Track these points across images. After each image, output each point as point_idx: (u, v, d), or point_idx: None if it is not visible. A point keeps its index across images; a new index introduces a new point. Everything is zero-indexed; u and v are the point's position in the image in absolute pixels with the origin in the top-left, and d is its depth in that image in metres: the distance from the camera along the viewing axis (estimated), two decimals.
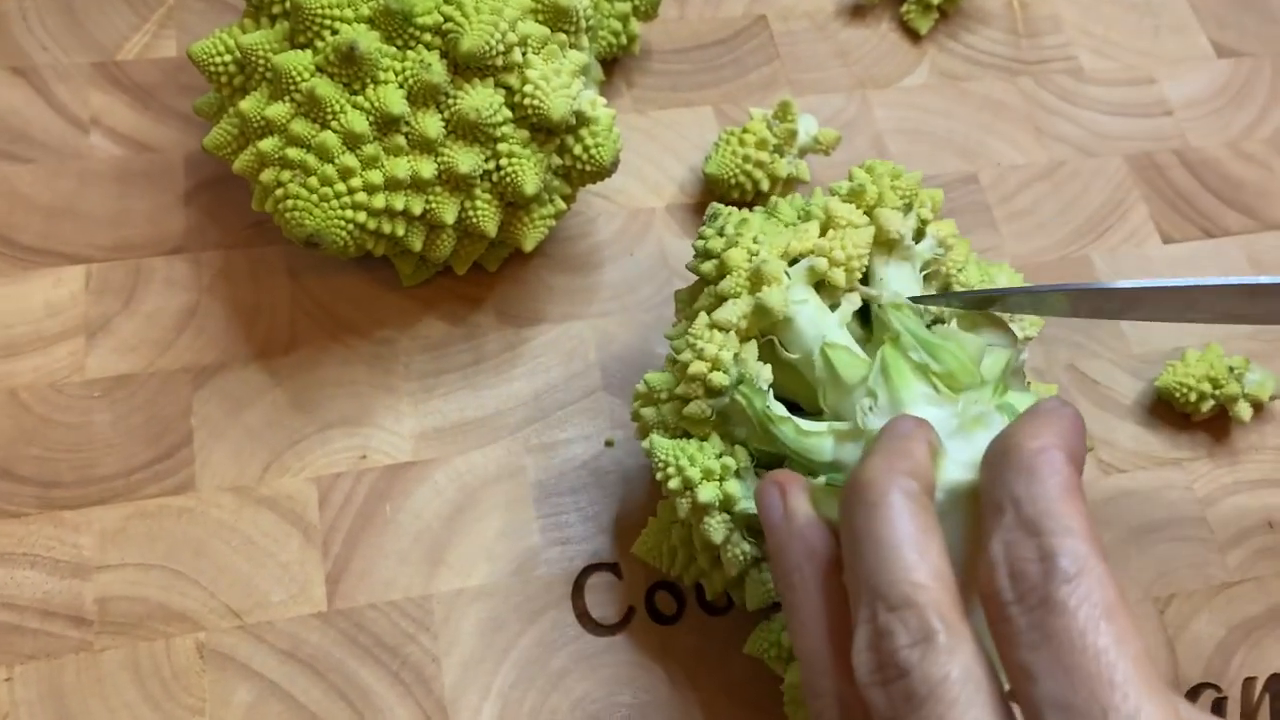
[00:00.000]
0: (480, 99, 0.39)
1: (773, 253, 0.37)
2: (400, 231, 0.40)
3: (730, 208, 0.40)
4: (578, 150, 0.42)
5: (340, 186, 0.38)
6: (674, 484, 0.36)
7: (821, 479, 0.34)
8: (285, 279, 0.47)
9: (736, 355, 0.37)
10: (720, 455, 0.37)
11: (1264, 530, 0.48)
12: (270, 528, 0.43)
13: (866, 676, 0.27)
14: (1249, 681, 0.45)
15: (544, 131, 0.41)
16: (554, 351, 0.47)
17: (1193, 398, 0.48)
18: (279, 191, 0.39)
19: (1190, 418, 0.49)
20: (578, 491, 0.45)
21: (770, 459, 0.38)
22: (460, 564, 0.43)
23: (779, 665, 0.39)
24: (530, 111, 0.40)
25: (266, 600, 0.42)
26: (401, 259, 0.44)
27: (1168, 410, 0.50)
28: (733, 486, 0.36)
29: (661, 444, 0.37)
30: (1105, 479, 0.48)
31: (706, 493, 0.36)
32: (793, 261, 0.38)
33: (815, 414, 0.37)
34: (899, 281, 0.38)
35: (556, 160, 0.42)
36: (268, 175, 0.39)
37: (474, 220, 0.41)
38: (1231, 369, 0.48)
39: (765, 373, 0.37)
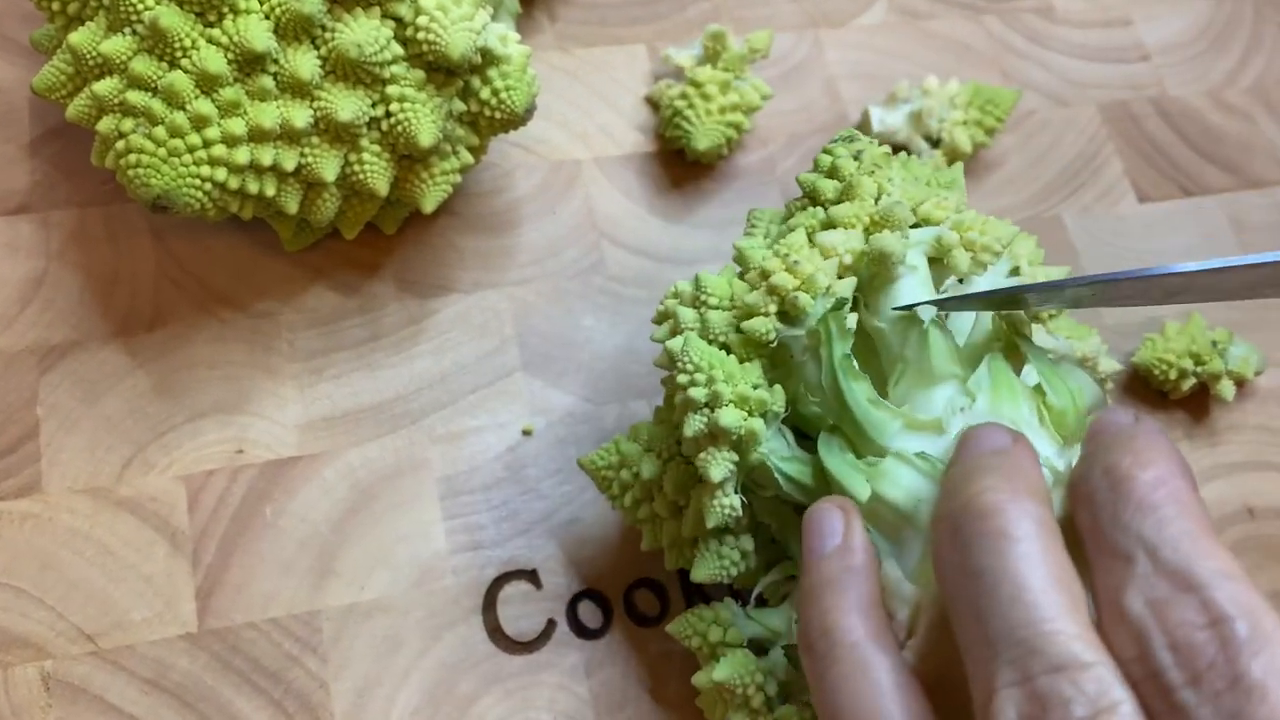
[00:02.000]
0: (363, 33, 0.32)
1: (907, 201, 0.32)
2: (270, 191, 0.34)
3: (869, 138, 0.35)
4: (485, 94, 0.36)
5: (193, 138, 0.32)
6: (697, 393, 0.30)
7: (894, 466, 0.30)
8: (149, 242, 0.41)
9: (829, 289, 0.31)
10: (758, 386, 0.31)
11: (1244, 518, 0.44)
12: (131, 535, 0.37)
13: None
14: None
15: (443, 72, 0.35)
16: (463, 325, 0.42)
17: (1173, 375, 0.44)
18: (120, 144, 0.32)
19: (1168, 396, 0.45)
20: (490, 488, 0.39)
21: (808, 427, 0.33)
22: (353, 574, 0.37)
23: (703, 659, 0.34)
24: (425, 48, 0.33)
25: (126, 620, 0.36)
26: (278, 221, 0.38)
27: (1144, 387, 0.45)
28: (758, 425, 0.31)
29: (699, 344, 0.31)
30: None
31: (729, 417, 0.30)
32: (916, 226, 0.33)
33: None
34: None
35: (460, 106, 0.36)
36: (106, 124, 0.32)
37: (360, 177, 0.35)
38: (1215, 343, 0.44)
39: (853, 321, 0.32)
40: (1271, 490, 0.45)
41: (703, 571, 0.33)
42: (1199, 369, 0.44)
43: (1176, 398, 0.45)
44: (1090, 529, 0.25)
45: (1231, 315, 0.48)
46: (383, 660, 0.37)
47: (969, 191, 0.48)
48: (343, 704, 0.36)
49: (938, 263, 0.33)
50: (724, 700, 0.33)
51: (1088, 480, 0.26)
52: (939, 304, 0.32)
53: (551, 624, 0.38)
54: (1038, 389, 0.31)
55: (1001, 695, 0.22)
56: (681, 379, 0.31)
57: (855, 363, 0.31)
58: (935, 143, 0.47)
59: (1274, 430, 0.46)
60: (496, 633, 0.37)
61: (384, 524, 0.38)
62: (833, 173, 0.34)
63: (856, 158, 0.34)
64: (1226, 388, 0.44)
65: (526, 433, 0.40)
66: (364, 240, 0.42)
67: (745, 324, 0.31)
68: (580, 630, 0.38)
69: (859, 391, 0.31)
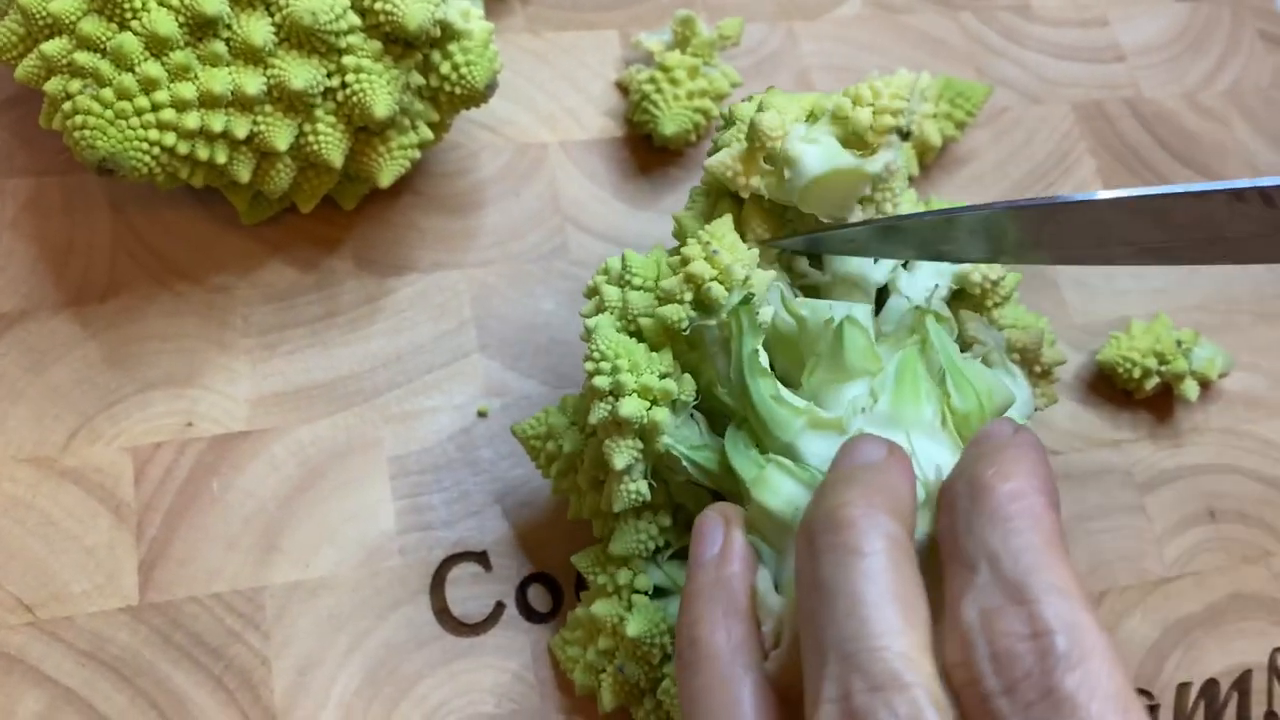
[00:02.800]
0: (318, 0, 0.32)
1: (789, 110, 0.33)
2: (221, 159, 0.33)
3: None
4: (445, 69, 0.36)
5: (141, 101, 0.31)
6: (601, 381, 0.30)
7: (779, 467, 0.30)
8: (106, 213, 0.40)
9: (747, 279, 0.31)
10: (665, 376, 0.31)
11: (1205, 520, 0.44)
12: (74, 506, 0.36)
13: None
14: (1183, 687, 0.41)
15: (401, 44, 0.34)
16: (422, 305, 0.41)
17: (1136, 374, 0.43)
18: (67, 105, 0.32)
19: (1132, 395, 0.45)
20: (442, 469, 0.39)
21: (715, 415, 0.32)
22: (299, 552, 0.37)
23: (596, 592, 0.35)
24: (382, 18, 0.33)
25: (65, 592, 0.35)
26: (232, 192, 0.37)
27: (1108, 386, 0.45)
28: (661, 415, 0.31)
29: (607, 331, 0.31)
30: None
31: (630, 407, 0.30)
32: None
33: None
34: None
35: (419, 80, 0.36)
36: (54, 85, 0.32)
37: (314, 147, 0.34)
38: (1179, 343, 0.44)
39: (768, 312, 0.31)
40: (1233, 493, 0.44)
41: (620, 545, 0.33)
42: (1163, 368, 0.43)
43: (1141, 397, 0.45)
44: (946, 535, 0.25)
45: (1200, 317, 0.47)
46: (326, 639, 0.36)
47: (940, 186, 0.48)
48: (284, 681, 0.35)
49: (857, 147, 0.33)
50: (591, 636, 0.34)
51: (952, 487, 0.26)
52: (785, 243, 0.32)
53: (500, 606, 0.37)
54: (943, 391, 0.31)
55: (823, 709, 0.22)
56: (588, 366, 0.31)
57: (763, 358, 0.31)
58: (905, 135, 0.46)
59: (1238, 433, 0.46)
60: (443, 614, 0.37)
61: (332, 502, 0.38)
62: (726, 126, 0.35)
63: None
64: (1190, 388, 0.44)
65: (482, 414, 0.40)
66: (323, 216, 0.41)
67: (659, 310, 0.31)
68: (529, 613, 0.38)
69: (763, 388, 0.30)
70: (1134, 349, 0.43)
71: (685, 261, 0.31)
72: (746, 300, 0.31)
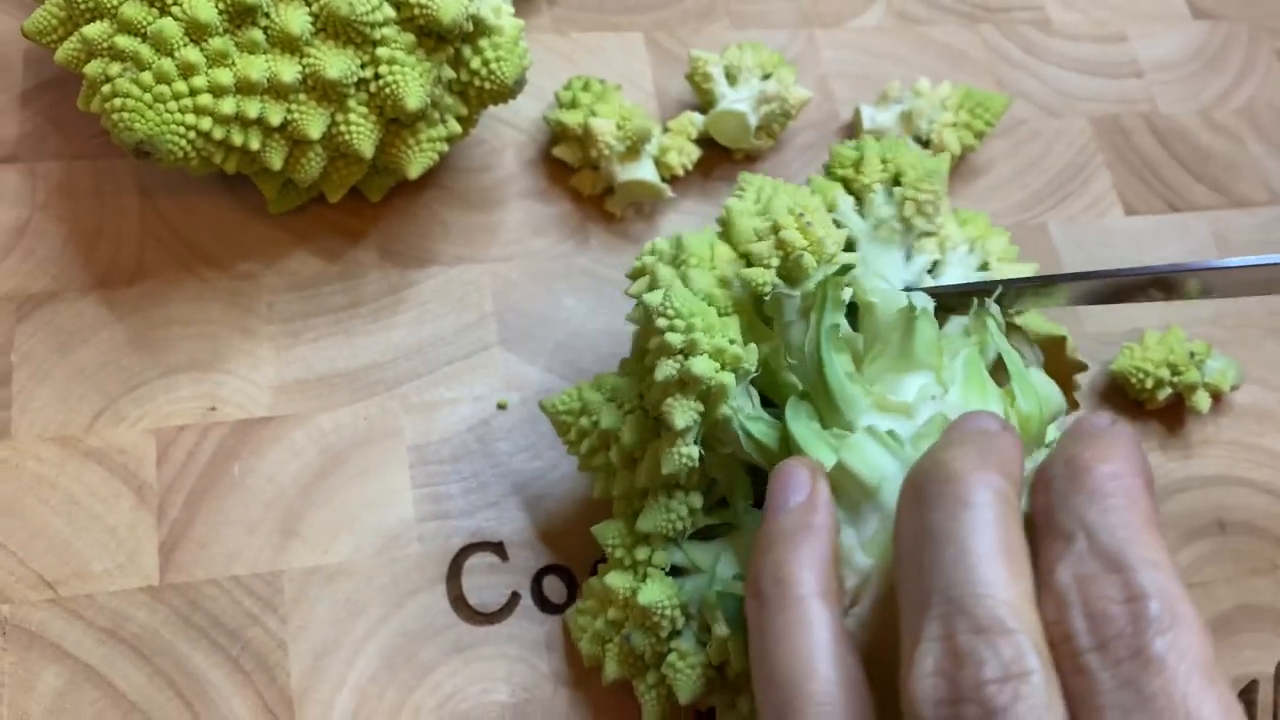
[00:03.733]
0: None
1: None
2: (255, 145, 0.34)
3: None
4: (475, 64, 0.36)
5: (180, 85, 0.32)
6: (674, 338, 0.30)
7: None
8: (135, 198, 0.41)
9: (833, 258, 0.32)
10: (734, 342, 0.31)
11: (1215, 531, 0.44)
12: (97, 485, 0.37)
13: (932, 709, 0.22)
14: None
15: (434, 37, 0.35)
16: (444, 298, 0.42)
17: (1149, 384, 0.44)
18: (106, 88, 0.32)
19: (1144, 406, 0.45)
20: (461, 459, 0.39)
21: (773, 393, 0.33)
22: (317, 537, 0.37)
23: (614, 565, 0.35)
24: (416, 11, 0.34)
25: (87, 570, 0.36)
26: (263, 179, 0.38)
27: (1120, 397, 0.45)
28: (729, 380, 0.30)
29: (684, 293, 0.31)
30: None
31: (702, 366, 0.30)
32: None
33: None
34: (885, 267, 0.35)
35: (449, 73, 0.36)
36: (94, 68, 0.32)
37: (346, 137, 0.35)
38: (1192, 354, 0.44)
39: (847, 294, 0.32)
40: (1243, 505, 0.45)
41: (649, 522, 0.33)
42: (1175, 379, 0.44)
43: (1152, 408, 0.45)
44: (1042, 509, 0.26)
45: (1212, 331, 0.48)
46: (343, 624, 0.36)
47: (957, 195, 0.48)
48: (300, 665, 0.36)
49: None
50: (603, 606, 0.34)
51: (1050, 468, 0.26)
52: (933, 291, 0.32)
53: (515, 596, 0.38)
54: (1007, 391, 0.31)
55: (923, 647, 0.23)
56: (660, 322, 0.30)
57: (844, 331, 0.31)
58: (925, 143, 0.47)
59: (1248, 446, 0.46)
60: (459, 602, 0.37)
61: (352, 489, 0.38)
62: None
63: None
64: (1202, 399, 0.44)
65: (501, 407, 0.40)
66: (349, 208, 0.42)
67: (743, 271, 0.31)
68: (544, 604, 0.38)
69: (838, 364, 0.31)
70: (1147, 360, 0.44)
71: (777, 229, 0.31)
72: (843, 271, 0.31)
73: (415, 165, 0.37)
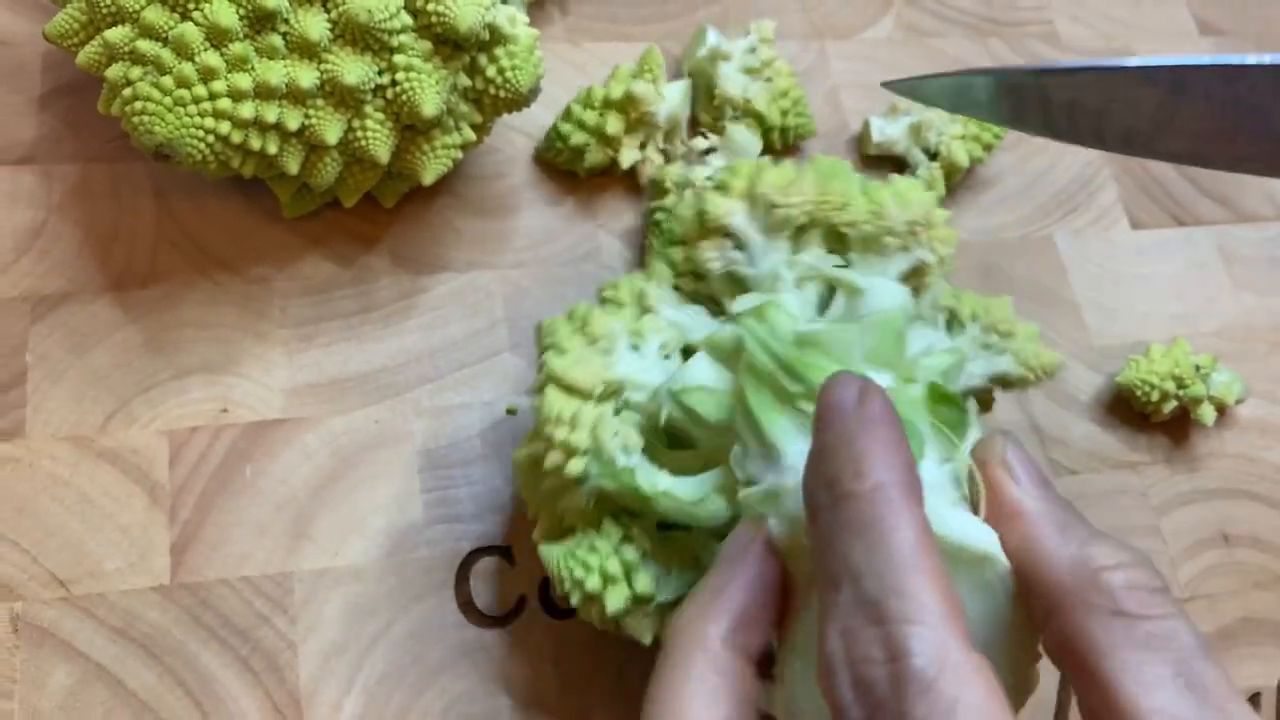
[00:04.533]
0: None
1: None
2: (272, 149, 0.34)
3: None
4: (491, 72, 0.37)
5: (200, 90, 0.32)
6: (577, 600, 0.32)
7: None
8: (150, 201, 0.41)
9: (594, 429, 0.32)
10: (619, 546, 0.32)
11: (1219, 544, 0.44)
12: (110, 485, 0.37)
13: (846, 691, 0.22)
14: None
15: (450, 45, 0.35)
16: (455, 304, 0.42)
17: (1155, 397, 0.44)
18: (127, 91, 0.33)
19: (1149, 418, 0.45)
20: (471, 464, 0.40)
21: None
22: (328, 539, 0.37)
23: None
24: (434, 19, 0.34)
25: (99, 569, 0.36)
26: (279, 184, 0.38)
27: (1126, 409, 0.46)
28: (644, 583, 0.32)
29: (551, 554, 0.32)
30: (1056, 480, 0.44)
31: (615, 600, 0.31)
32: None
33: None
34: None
35: (465, 81, 0.37)
36: (115, 71, 0.33)
37: (362, 143, 0.35)
38: (1198, 368, 0.44)
39: (631, 438, 0.32)
40: (1247, 518, 0.45)
41: (640, 631, 0.33)
42: (1181, 392, 0.44)
43: (1158, 420, 0.45)
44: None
45: (1218, 344, 0.48)
46: (352, 626, 0.37)
47: (965, 207, 0.49)
48: (309, 666, 0.36)
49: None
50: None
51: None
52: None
53: (522, 601, 0.38)
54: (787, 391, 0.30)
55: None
56: (560, 591, 0.33)
57: (644, 488, 0.32)
58: (933, 156, 0.47)
59: (1253, 459, 0.46)
60: (467, 605, 0.38)
61: (362, 492, 0.38)
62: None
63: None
64: (1207, 412, 0.44)
65: (510, 412, 0.41)
66: (362, 213, 0.42)
67: (559, 505, 0.34)
68: (551, 609, 0.38)
69: (667, 506, 0.32)
70: (1153, 372, 0.44)
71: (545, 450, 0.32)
72: (603, 465, 0.32)
73: (430, 171, 0.37)
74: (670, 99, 0.44)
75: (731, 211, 0.34)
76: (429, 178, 0.38)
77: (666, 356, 0.34)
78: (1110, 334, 0.47)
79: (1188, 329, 0.48)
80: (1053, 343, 0.47)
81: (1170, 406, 0.44)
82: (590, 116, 0.43)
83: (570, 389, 0.32)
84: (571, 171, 0.45)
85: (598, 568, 0.32)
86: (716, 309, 0.35)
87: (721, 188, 0.34)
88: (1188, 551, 0.44)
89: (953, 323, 0.36)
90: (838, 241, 0.34)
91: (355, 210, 0.41)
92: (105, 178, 0.41)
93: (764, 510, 0.28)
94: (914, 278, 0.34)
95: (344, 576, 0.37)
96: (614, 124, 0.43)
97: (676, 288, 0.35)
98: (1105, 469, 0.45)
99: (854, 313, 0.33)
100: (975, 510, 0.28)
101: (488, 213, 0.44)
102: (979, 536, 0.26)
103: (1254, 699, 0.42)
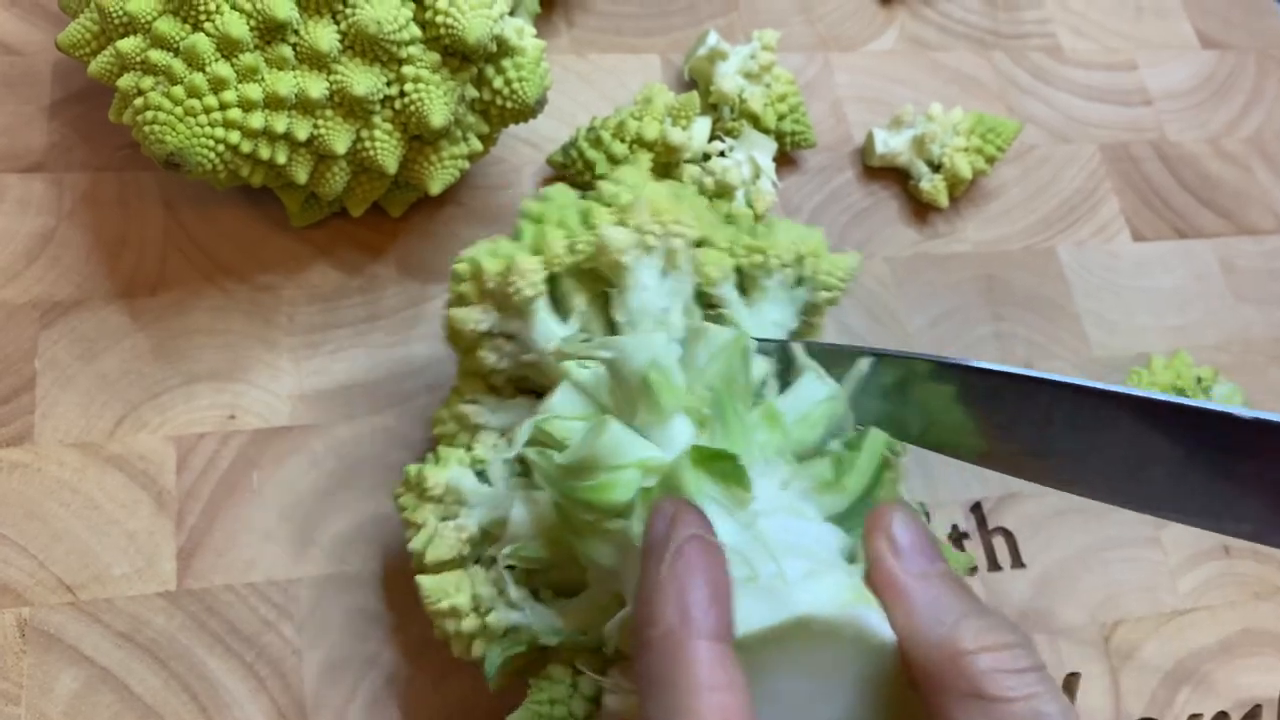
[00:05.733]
0: (383, 10, 0.33)
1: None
2: (281, 159, 0.34)
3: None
4: (498, 83, 0.37)
5: (210, 100, 0.32)
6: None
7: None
8: (159, 210, 0.41)
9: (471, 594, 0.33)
10: (571, 691, 0.32)
11: (1220, 554, 0.45)
12: (118, 491, 0.37)
13: None
14: (1194, 719, 0.41)
15: (458, 57, 0.36)
16: None
17: None
18: (138, 101, 0.33)
19: None
20: None
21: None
22: (334, 546, 0.38)
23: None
24: (443, 31, 0.34)
25: (106, 574, 0.36)
26: (287, 193, 0.39)
27: None
28: (615, 701, 0.31)
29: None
30: (1056, 491, 0.44)
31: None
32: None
33: None
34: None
35: (473, 93, 0.37)
36: (126, 81, 0.33)
37: (370, 153, 0.35)
38: (1199, 380, 0.45)
39: (511, 593, 0.32)
40: None
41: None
42: None
43: None
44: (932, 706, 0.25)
45: (1218, 356, 0.48)
46: (357, 633, 0.37)
47: (967, 219, 0.49)
48: (314, 672, 0.36)
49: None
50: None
51: (928, 657, 0.25)
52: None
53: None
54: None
55: None
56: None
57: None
58: (936, 167, 0.48)
59: None
60: None
61: (369, 500, 0.39)
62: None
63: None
64: None
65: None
66: (369, 223, 0.42)
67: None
68: None
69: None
70: (1154, 384, 0.44)
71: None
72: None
73: (437, 182, 0.38)
74: (698, 138, 0.44)
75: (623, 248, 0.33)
76: (436, 188, 0.38)
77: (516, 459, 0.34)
78: (1111, 346, 0.48)
79: (1188, 341, 0.48)
80: (1053, 354, 0.47)
81: None
82: (619, 149, 0.43)
83: (438, 568, 0.33)
84: (582, 185, 0.45)
85: (565, 716, 0.32)
86: (542, 379, 0.35)
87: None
88: (1188, 562, 0.44)
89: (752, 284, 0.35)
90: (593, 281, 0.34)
91: (363, 219, 0.42)
92: (115, 186, 0.42)
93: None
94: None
95: (350, 583, 0.37)
96: (644, 165, 0.43)
97: (494, 388, 0.36)
98: None
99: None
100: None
101: (494, 222, 0.44)
102: (861, 613, 0.26)
103: (1254, 712, 0.42)
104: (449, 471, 0.33)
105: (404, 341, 0.41)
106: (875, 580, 0.26)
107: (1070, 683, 0.41)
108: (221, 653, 0.36)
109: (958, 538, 0.43)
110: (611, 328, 0.34)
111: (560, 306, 0.34)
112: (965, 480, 0.43)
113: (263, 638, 0.36)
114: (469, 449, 0.34)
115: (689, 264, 0.34)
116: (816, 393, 0.32)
